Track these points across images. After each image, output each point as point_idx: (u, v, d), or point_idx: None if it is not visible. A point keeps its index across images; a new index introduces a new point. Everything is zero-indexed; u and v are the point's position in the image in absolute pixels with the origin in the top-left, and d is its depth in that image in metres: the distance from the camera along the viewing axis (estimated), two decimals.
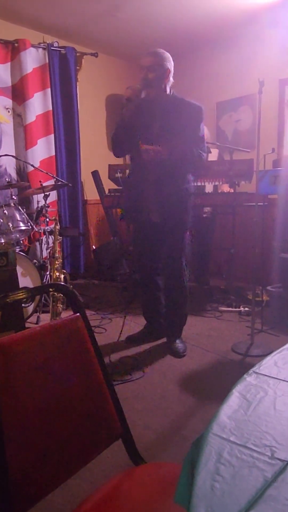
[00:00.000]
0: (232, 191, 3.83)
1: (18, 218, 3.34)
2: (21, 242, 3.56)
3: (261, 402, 0.84)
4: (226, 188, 4.08)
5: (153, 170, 2.57)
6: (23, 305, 3.17)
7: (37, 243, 4.11)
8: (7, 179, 3.89)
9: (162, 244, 2.81)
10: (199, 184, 3.84)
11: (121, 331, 2.94)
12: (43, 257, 3.86)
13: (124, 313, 3.25)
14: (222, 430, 0.73)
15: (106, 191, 4.76)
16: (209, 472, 0.62)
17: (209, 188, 4.09)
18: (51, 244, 3.47)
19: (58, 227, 3.35)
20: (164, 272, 2.90)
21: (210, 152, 4.26)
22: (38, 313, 3.48)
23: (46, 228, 3.75)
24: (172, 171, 2.56)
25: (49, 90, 4.61)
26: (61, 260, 3.32)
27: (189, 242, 2.86)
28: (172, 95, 2.58)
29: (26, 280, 3.29)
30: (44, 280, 3.58)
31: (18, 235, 3.37)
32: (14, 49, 4.31)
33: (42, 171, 3.97)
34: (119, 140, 2.62)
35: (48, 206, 3.77)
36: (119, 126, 2.60)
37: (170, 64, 2.52)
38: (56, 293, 3.07)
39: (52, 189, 3.90)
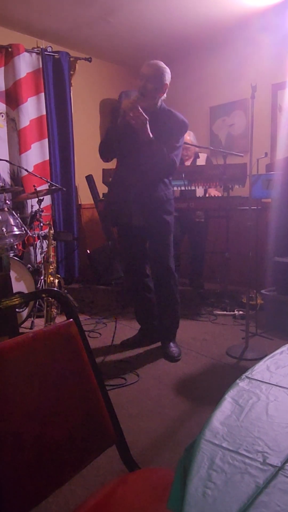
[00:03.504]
0: (219, 195, 3.84)
1: (12, 223, 3.34)
2: (15, 247, 3.55)
3: (253, 407, 0.84)
4: (213, 192, 4.10)
5: (133, 174, 2.63)
6: (17, 310, 3.16)
7: (31, 248, 4.10)
8: (0, 183, 3.88)
9: (146, 247, 2.84)
10: (192, 188, 3.86)
11: (114, 335, 2.94)
12: (37, 262, 3.85)
13: (114, 317, 3.24)
14: (214, 436, 0.73)
15: (100, 196, 4.76)
16: (201, 479, 0.62)
17: (200, 192, 4.10)
18: (45, 249, 3.46)
19: (52, 231, 3.35)
20: (152, 275, 2.92)
21: (198, 157, 4.28)
22: (32, 318, 3.47)
23: (40, 232, 3.75)
24: (150, 176, 2.62)
25: (43, 94, 4.62)
26: (55, 265, 3.31)
27: (175, 246, 2.86)
28: (161, 107, 2.63)
29: (20, 285, 3.28)
30: (38, 285, 3.57)
31: (12, 240, 3.36)
32: (7, 54, 4.31)
33: (36, 176, 3.96)
34: (109, 143, 2.65)
35: (42, 211, 3.76)
36: (111, 130, 2.62)
37: (168, 79, 2.55)
38: (50, 298, 3.07)
39: (46, 194, 3.89)
